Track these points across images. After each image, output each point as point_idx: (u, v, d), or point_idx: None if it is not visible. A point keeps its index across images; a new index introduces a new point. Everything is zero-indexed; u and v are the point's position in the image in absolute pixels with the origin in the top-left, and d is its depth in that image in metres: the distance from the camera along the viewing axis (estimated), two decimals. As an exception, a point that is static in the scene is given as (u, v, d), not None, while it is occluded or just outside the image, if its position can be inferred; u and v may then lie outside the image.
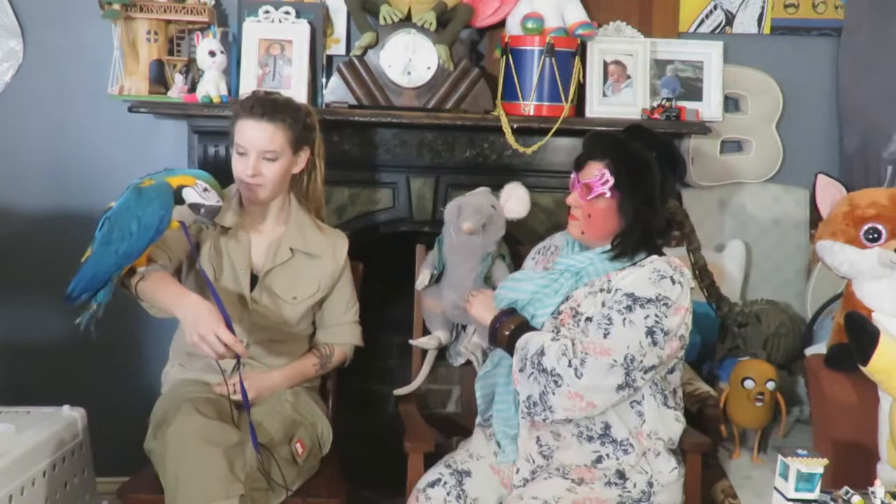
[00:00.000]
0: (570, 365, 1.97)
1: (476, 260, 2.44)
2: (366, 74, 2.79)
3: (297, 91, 2.71)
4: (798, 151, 3.17)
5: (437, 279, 2.53)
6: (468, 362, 2.56)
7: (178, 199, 2.12)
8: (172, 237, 2.21)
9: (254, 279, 2.34)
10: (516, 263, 2.51)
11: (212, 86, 2.70)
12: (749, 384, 2.53)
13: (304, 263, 2.36)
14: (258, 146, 2.24)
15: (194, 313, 2.05)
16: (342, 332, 2.45)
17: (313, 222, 2.42)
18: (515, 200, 2.47)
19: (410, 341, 2.59)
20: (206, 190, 2.12)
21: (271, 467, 2.13)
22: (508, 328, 2.12)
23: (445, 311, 2.50)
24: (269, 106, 2.26)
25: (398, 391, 2.60)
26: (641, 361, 1.97)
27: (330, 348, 2.44)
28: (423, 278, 2.52)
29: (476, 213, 2.39)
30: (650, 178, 2.07)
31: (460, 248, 2.44)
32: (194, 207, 2.12)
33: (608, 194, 2.07)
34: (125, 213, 2.07)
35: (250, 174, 2.25)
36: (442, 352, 2.62)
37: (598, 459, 2.07)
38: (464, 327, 2.56)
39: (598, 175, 2.08)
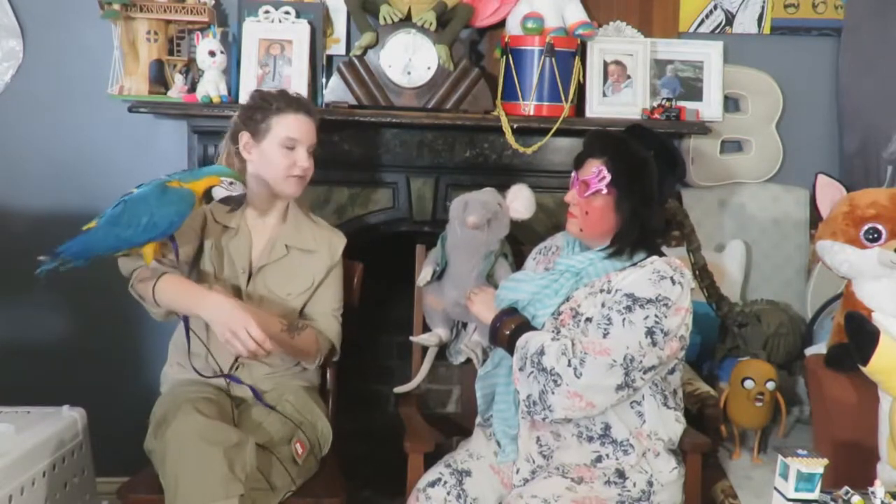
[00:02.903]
0: (569, 364, 1.97)
1: (479, 257, 2.44)
2: (366, 74, 2.79)
3: (298, 91, 2.70)
4: (798, 151, 3.17)
5: (439, 276, 2.53)
6: (468, 361, 2.55)
7: (208, 198, 2.17)
8: (182, 236, 2.22)
9: (249, 277, 2.34)
10: (518, 263, 2.51)
11: (212, 86, 2.70)
12: (749, 384, 2.53)
13: (298, 259, 2.36)
14: (308, 140, 2.34)
15: (222, 311, 2.10)
16: (319, 321, 2.39)
17: (309, 218, 2.43)
18: (521, 202, 2.47)
19: (411, 338, 2.59)
20: (231, 183, 2.17)
21: (271, 467, 2.14)
22: (509, 327, 2.13)
23: (446, 308, 2.50)
24: (308, 102, 2.38)
25: (398, 389, 2.59)
26: (641, 362, 1.97)
27: (303, 323, 2.35)
28: (425, 274, 2.51)
29: (482, 208, 2.40)
30: (647, 177, 2.07)
31: (464, 244, 2.44)
32: (225, 201, 2.18)
33: (604, 191, 2.08)
34: (142, 204, 2.09)
35: (307, 166, 2.32)
36: (442, 351, 2.62)
37: (598, 459, 2.07)
38: (464, 325, 2.56)
39: (596, 172, 2.08)
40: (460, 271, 2.45)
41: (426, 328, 2.60)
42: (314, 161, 2.39)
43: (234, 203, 2.19)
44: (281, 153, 2.30)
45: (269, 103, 2.32)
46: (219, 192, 2.16)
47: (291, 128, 2.30)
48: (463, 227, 2.42)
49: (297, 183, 2.33)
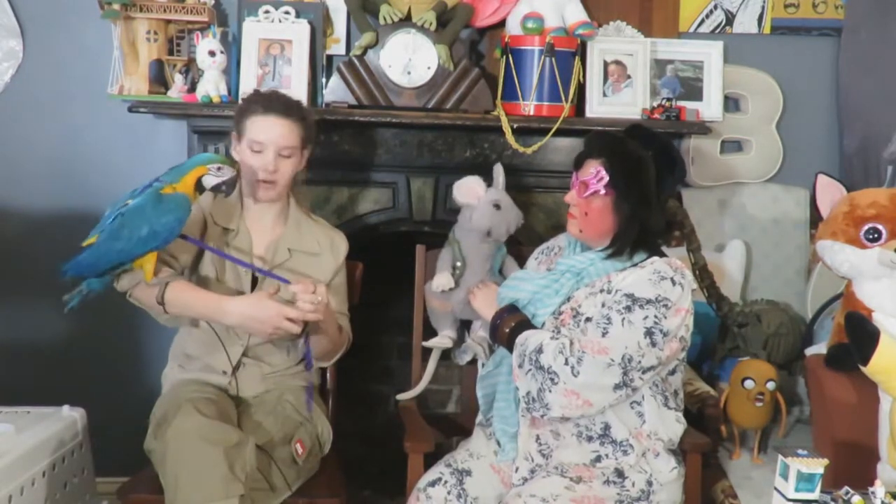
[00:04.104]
0: (566, 363, 1.97)
1: (493, 256, 2.47)
2: (366, 74, 2.79)
3: (298, 91, 2.71)
4: (798, 151, 3.17)
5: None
6: (471, 362, 2.55)
7: (200, 189, 2.16)
8: (176, 245, 2.22)
9: (255, 280, 2.33)
10: (519, 265, 2.51)
11: (212, 86, 2.70)
12: (749, 384, 2.53)
13: (302, 262, 2.35)
14: (278, 142, 2.26)
15: (249, 315, 2.12)
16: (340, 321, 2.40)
17: (310, 220, 2.42)
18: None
19: (424, 343, 2.57)
20: (219, 168, 2.16)
21: (271, 467, 2.14)
22: (509, 325, 2.13)
23: (454, 309, 2.50)
24: (289, 104, 2.30)
25: (400, 396, 2.59)
26: (640, 362, 1.97)
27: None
28: (446, 281, 2.47)
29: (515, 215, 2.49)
30: (645, 177, 2.07)
31: (483, 251, 2.46)
32: (216, 188, 2.17)
33: (602, 191, 2.08)
34: (140, 216, 2.07)
35: (271, 171, 2.26)
36: (443, 352, 2.61)
37: (597, 459, 2.07)
38: (467, 326, 2.55)
39: (594, 173, 2.08)
40: (477, 274, 2.45)
41: (427, 329, 2.59)
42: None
43: (227, 188, 2.18)
44: (249, 156, 2.27)
45: (249, 103, 2.31)
46: (209, 181, 2.15)
47: (257, 130, 2.27)
48: (482, 235, 2.45)
49: (265, 188, 2.28)
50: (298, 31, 2.79)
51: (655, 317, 1.98)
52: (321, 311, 2.13)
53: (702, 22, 3.11)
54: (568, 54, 2.81)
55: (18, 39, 2.90)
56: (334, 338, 2.31)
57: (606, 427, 2.06)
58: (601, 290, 2.07)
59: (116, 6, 2.71)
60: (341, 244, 2.42)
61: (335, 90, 2.80)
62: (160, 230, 2.07)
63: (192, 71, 2.82)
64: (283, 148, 2.26)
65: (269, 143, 2.26)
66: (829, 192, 2.52)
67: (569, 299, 2.12)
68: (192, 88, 2.77)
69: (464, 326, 2.58)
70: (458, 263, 2.48)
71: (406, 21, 2.80)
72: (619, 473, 2.06)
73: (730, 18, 3.12)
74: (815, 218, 2.68)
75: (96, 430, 2.59)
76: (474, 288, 2.35)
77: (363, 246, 2.69)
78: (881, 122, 3.00)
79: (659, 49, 2.99)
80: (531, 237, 2.75)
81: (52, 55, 2.92)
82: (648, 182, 2.07)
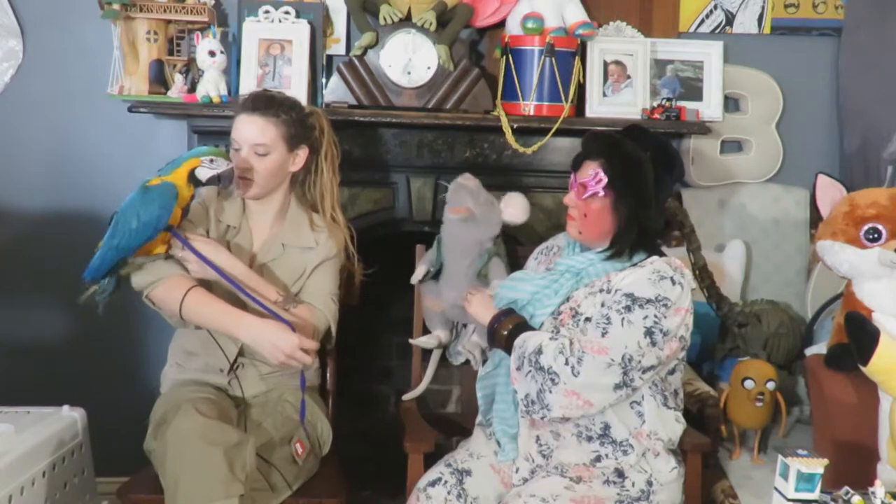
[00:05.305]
0: (566, 363, 1.97)
1: (473, 255, 2.46)
2: (366, 74, 2.79)
3: (298, 91, 2.71)
4: (798, 151, 3.17)
5: (434, 276, 2.54)
6: (468, 361, 2.56)
7: (196, 182, 2.17)
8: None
9: None
10: (517, 264, 2.51)
11: (212, 86, 2.70)
12: (749, 384, 2.53)
13: (294, 256, 2.35)
14: (249, 139, 2.26)
15: (266, 335, 2.13)
16: (316, 301, 2.33)
17: (310, 222, 2.40)
18: (515, 208, 2.52)
19: (410, 340, 2.59)
20: (212, 161, 2.17)
21: (271, 467, 2.14)
22: (507, 327, 2.13)
23: (445, 309, 2.50)
24: (262, 101, 2.29)
25: (406, 396, 2.60)
26: (640, 361, 1.97)
27: (299, 299, 2.32)
28: (418, 273, 2.54)
29: (468, 196, 2.45)
30: (643, 177, 2.07)
31: (458, 242, 2.45)
32: (213, 180, 2.18)
33: (602, 193, 2.07)
34: (129, 210, 2.13)
35: (243, 168, 2.26)
36: (443, 352, 2.62)
37: (597, 459, 2.07)
38: (464, 325, 2.56)
39: (593, 174, 2.08)
40: (456, 271, 2.46)
41: (426, 330, 2.60)
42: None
43: (224, 180, 2.19)
44: (233, 154, 2.28)
45: (237, 105, 2.34)
46: (203, 173, 2.16)
47: (234, 128, 2.30)
48: (451, 219, 2.45)
49: (240, 185, 2.29)
50: (298, 31, 2.79)
51: (655, 316, 1.98)
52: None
53: (702, 22, 3.11)
54: (568, 54, 2.81)
55: (18, 39, 2.90)
56: (289, 319, 2.28)
57: (606, 427, 2.06)
58: (600, 290, 2.07)
59: (116, 6, 2.71)
60: (338, 238, 2.39)
61: (335, 90, 2.80)
62: (149, 220, 2.11)
63: (192, 71, 2.82)
64: (255, 146, 2.26)
65: (241, 140, 2.27)
66: (829, 192, 2.52)
67: (568, 299, 2.12)
68: (192, 88, 2.77)
69: (459, 325, 2.58)
70: (440, 259, 2.51)
71: (406, 21, 2.80)
72: (619, 473, 2.06)
73: (730, 18, 3.12)
74: (815, 218, 2.68)
75: (96, 430, 2.59)
76: (468, 294, 2.33)
77: (363, 246, 2.69)
78: (881, 122, 3.00)
79: (659, 49, 2.99)
80: (531, 237, 2.75)
81: (52, 55, 2.92)
82: (647, 182, 2.07)
